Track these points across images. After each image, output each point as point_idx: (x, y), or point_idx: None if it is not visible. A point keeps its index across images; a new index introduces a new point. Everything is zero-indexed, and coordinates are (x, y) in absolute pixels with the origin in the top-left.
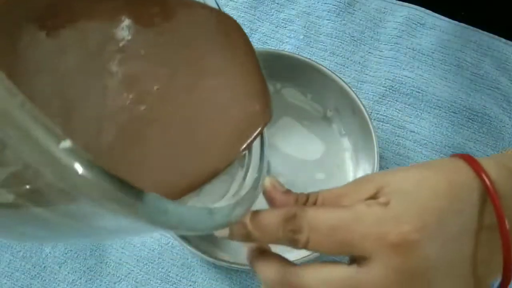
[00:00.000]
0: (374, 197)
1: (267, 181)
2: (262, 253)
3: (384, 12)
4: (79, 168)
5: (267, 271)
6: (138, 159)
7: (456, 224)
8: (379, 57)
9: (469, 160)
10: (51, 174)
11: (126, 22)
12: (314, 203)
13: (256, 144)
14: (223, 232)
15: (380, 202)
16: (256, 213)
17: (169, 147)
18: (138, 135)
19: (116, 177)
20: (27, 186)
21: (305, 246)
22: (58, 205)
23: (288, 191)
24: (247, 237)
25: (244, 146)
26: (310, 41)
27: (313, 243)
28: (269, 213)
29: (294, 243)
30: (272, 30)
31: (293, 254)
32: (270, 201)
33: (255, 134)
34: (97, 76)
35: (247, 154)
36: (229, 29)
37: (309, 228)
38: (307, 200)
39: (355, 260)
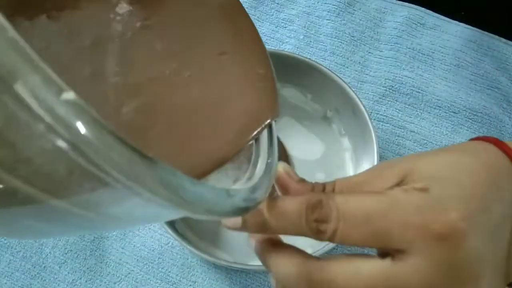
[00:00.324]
0: (401, 184)
1: (280, 167)
2: (274, 245)
3: (384, 12)
4: (81, 126)
5: (283, 265)
6: (148, 142)
7: (498, 212)
8: (379, 57)
9: (498, 143)
10: (47, 132)
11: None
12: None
13: (265, 135)
14: (234, 222)
15: (417, 188)
16: (274, 199)
17: (178, 132)
18: (148, 116)
19: (127, 142)
20: (22, 162)
21: (331, 238)
22: (59, 181)
23: (302, 180)
24: (262, 227)
25: (252, 135)
26: (310, 41)
27: (341, 234)
28: (289, 200)
29: (318, 234)
30: (272, 30)
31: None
32: (284, 189)
33: (263, 125)
34: (111, 52)
35: (254, 145)
36: (238, 15)
37: (338, 217)
38: (323, 190)
39: (387, 253)
